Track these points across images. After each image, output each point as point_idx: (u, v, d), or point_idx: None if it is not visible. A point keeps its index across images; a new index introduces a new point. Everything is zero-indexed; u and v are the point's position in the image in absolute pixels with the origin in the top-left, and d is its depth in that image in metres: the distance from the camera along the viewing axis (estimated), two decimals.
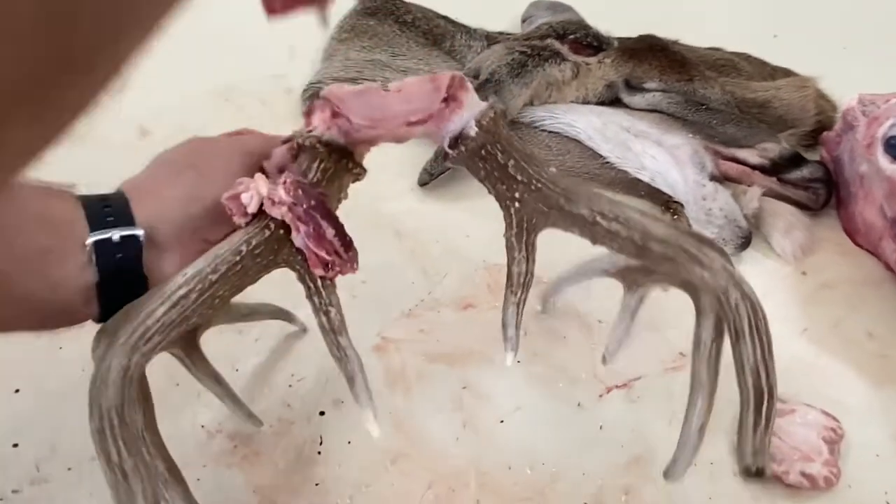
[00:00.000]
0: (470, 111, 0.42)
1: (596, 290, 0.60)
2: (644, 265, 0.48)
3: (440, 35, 0.90)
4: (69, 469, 0.51)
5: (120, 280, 0.39)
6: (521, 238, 0.43)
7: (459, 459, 0.52)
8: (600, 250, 0.43)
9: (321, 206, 0.41)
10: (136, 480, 0.36)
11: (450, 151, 0.42)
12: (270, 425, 0.54)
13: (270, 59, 0.91)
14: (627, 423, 0.55)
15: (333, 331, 0.41)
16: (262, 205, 0.40)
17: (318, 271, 0.41)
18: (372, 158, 0.79)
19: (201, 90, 0.87)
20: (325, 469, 0.51)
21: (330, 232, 0.41)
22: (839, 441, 0.52)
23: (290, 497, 0.50)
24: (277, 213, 0.40)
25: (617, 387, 0.57)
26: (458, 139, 0.42)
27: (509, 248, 0.43)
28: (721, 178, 0.70)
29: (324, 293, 0.41)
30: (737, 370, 0.40)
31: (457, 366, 0.58)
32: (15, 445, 0.53)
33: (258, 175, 0.41)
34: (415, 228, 0.70)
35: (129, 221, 0.39)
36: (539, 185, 0.42)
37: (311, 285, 0.41)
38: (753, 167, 0.71)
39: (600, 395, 0.57)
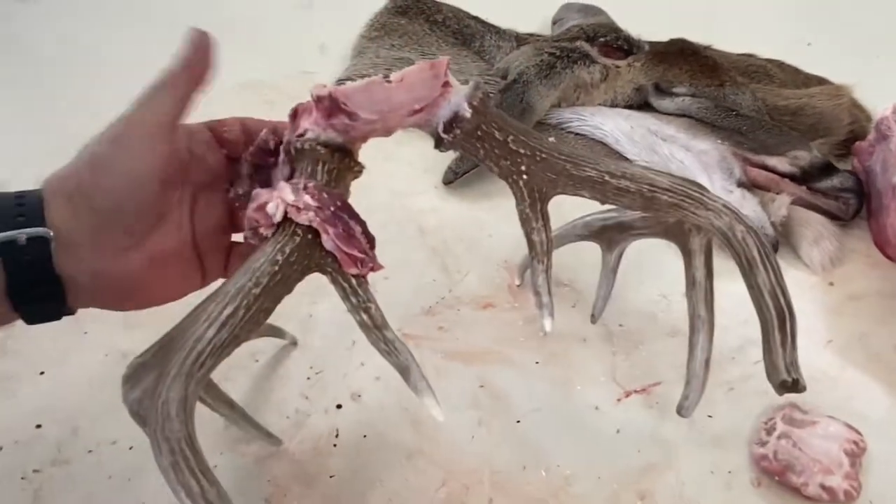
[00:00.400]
0: (457, 94, 0.42)
1: (617, 294, 0.60)
2: (622, 222, 0.54)
3: (470, 35, 0.90)
4: (90, 452, 0.52)
5: (31, 283, 0.37)
6: (535, 208, 0.43)
7: (474, 457, 0.52)
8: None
9: (347, 207, 0.41)
10: None
11: (445, 136, 0.42)
12: (287, 416, 0.54)
13: (301, 56, 0.92)
14: (645, 428, 0.54)
15: (377, 326, 0.40)
16: (286, 212, 0.40)
17: (353, 270, 0.41)
18: (397, 156, 0.79)
19: (232, 83, 0.88)
20: (340, 462, 0.52)
21: (358, 230, 0.41)
22: (861, 455, 0.51)
23: (304, 488, 0.50)
24: (305, 218, 0.39)
25: (636, 391, 0.57)
26: (452, 123, 0.41)
27: (525, 220, 0.44)
28: (749, 185, 0.69)
29: (360, 291, 0.41)
30: (755, 299, 0.43)
31: (474, 364, 0.58)
32: (38, 426, 0.54)
33: (282, 183, 0.41)
34: (438, 226, 0.70)
35: (40, 221, 0.37)
36: (544, 155, 0.43)
37: (346, 285, 0.41)
38: (783, 175, 0.70)
39: (618, 400, 0.56)
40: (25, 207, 0.37)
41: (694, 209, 0.43)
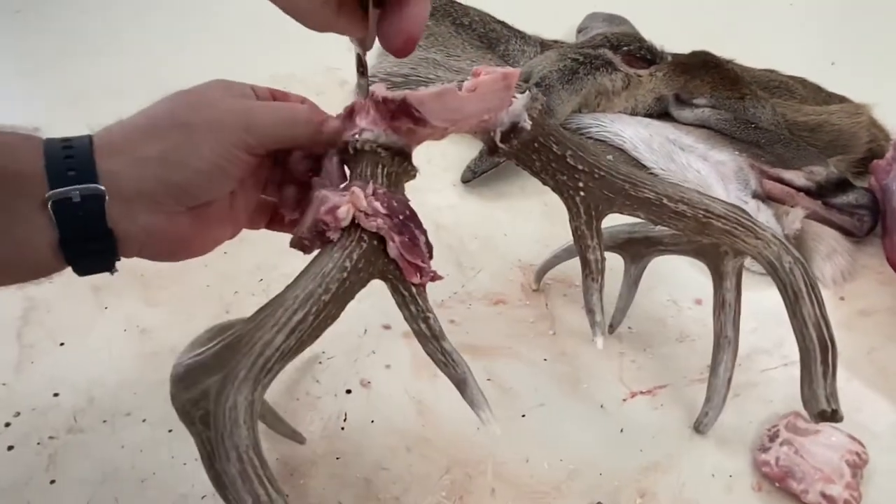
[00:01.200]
0: (516, 104, 0.42)
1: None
2: (650, 237, 0.55)
3: (495, 39, 0.91)
4: (104, 421, 0.54)
5: (84, 239, 0.37)
6: (590, 225, 0.43)
7: (478, 448, 0.53)
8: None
9: (414, 216, 0.41)
10: None
11: (502, 146, 0.42)
12: (297, 398, 0.56)
13: (329, 52, 0.93)
14: (649, 428, 0.55)
15: (435, 337, 0.40)
16: (354, 217, 0.39)
17: (415, 279, 0.40)
18: (416, 153, 0.80)
19: (263, 77, 0.89)
20: (347, 444, 0.53)
21: (422, 239, 0.40)
22: (863, 466, 0.51)
23: (311, 467, 0.51)
24: (373, 225, 0.39)
25: (641, 392, 0.57)
26: (510, 133, 0.42)
27: (581, 237, 0.43)
28: (764, 197, 0.70)
29: (419, 300, 0.40)
30: (798, 328, 0.43)
31: (483, 358, 0.59)
32: (55, 395, 0.55)
33: (355, 188, 0.40)
34: (454, 223, 0.71)
35: (92, 176, 0.36)
36: (602, 174, 0.43)
37: (406, 294, 0.40)
38: (798, 189, 0.70)
39: (624, 400, 0.57)
40: (75, 160, 0.36)
41: (745, 237, 0.44)
